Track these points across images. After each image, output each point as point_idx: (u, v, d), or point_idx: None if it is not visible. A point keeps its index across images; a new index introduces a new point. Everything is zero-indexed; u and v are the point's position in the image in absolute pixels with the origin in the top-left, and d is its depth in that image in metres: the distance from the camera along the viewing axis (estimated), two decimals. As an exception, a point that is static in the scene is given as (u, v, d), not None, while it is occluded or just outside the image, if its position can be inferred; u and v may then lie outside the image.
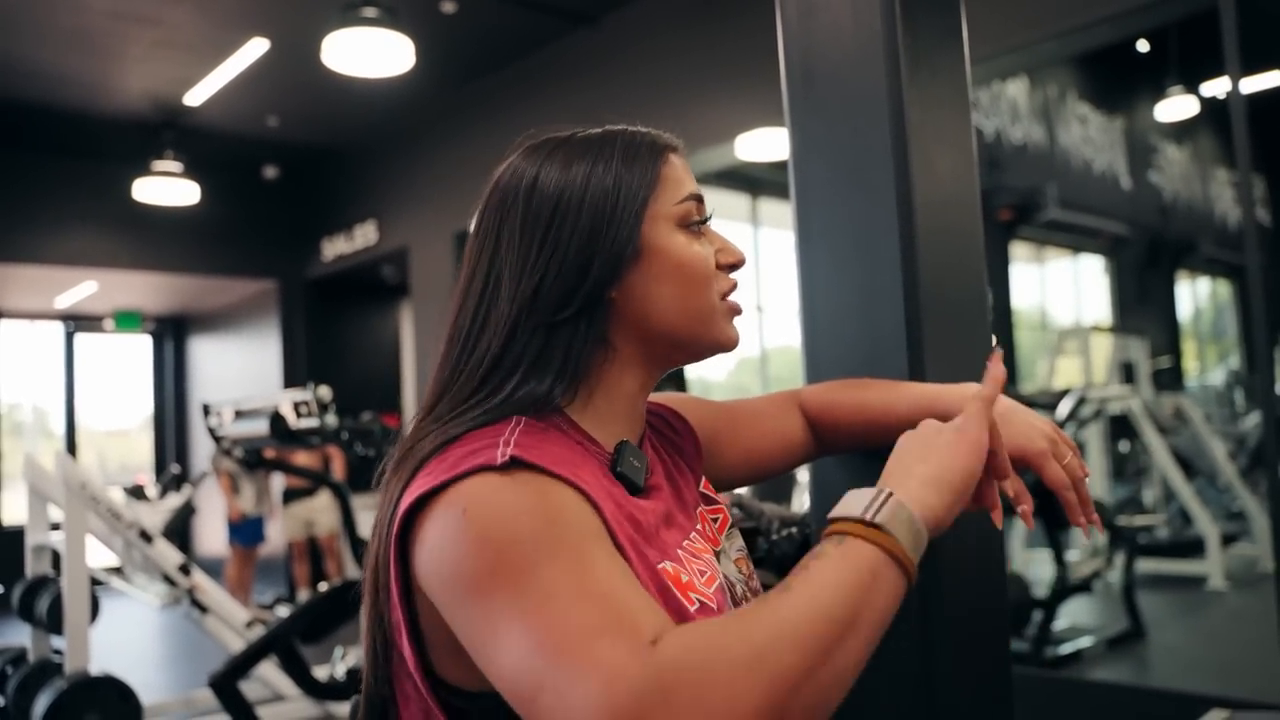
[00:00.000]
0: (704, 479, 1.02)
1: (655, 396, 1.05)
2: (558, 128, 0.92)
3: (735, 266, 0.93)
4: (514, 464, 0.71)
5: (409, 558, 0.73)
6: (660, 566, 0.79)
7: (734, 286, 0.93)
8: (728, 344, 0.92)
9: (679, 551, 0.84)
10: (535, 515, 0.68)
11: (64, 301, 9.36)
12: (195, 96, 6.68)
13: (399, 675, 0.79)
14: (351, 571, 5.71)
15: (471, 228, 0.89)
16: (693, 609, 0.78)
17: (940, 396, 1.06)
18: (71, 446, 9.80)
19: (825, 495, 1.29)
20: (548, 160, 0.87)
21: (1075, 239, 9.00)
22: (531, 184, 0.86)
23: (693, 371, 7.53)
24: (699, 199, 0.90)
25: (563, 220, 0.84)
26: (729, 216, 8.05)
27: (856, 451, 1.20)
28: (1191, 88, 7.01)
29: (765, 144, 4.86)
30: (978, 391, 0.84)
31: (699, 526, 0.92)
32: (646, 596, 0.67)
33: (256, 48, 5.96)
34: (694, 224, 0.89)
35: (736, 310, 0.93)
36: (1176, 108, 7.33)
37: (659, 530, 0.84)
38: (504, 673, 0.65)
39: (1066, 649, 4.45)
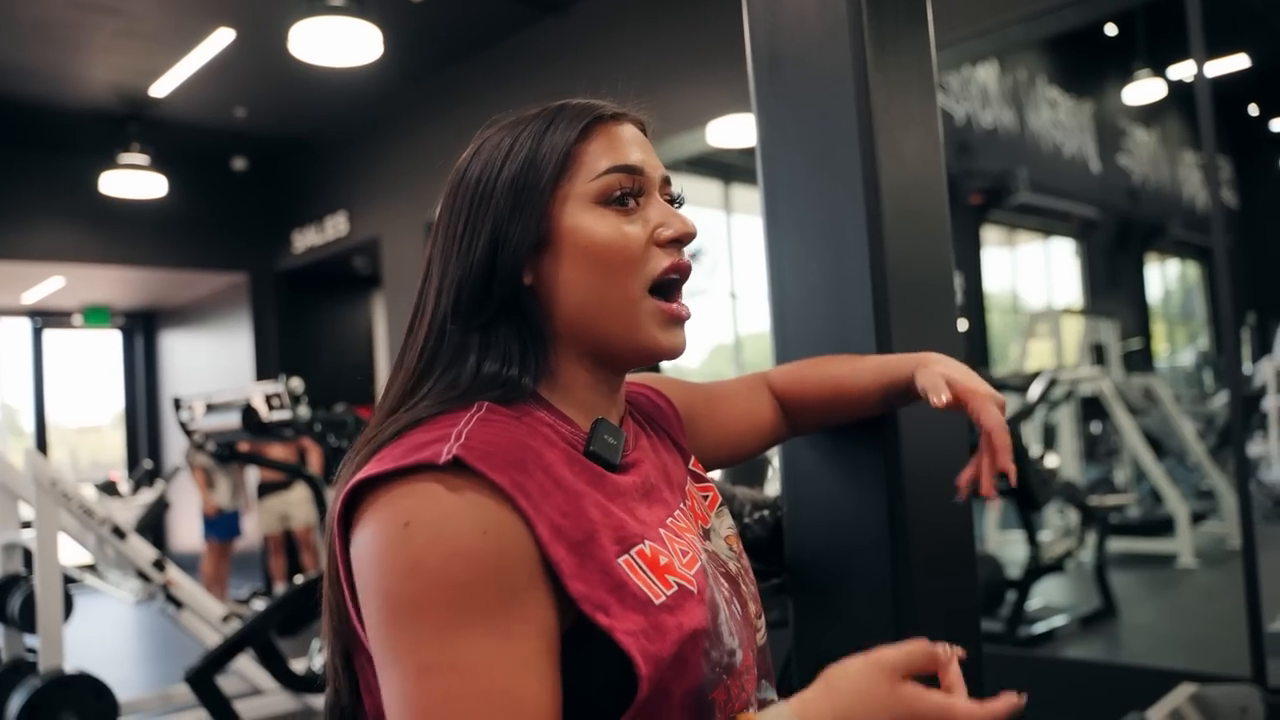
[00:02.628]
0: (693, 458, 1.00)
1: (635, 377, 1.03)
2: (517, 109, 0.87)
3: (680, 241, 0.83)
4: (455, 465, 0.68)
5: (349, 541, 0.72)
6: (636, 550, 0.75)
7: (677, 265, 0.82)
8: (659, 350, 0.82)
9: (660, 530, 0.80)
10: (473, 561, 0.66)
11: (31, 297, 9.24)
12: (161, 88, 6.60)
13: (360, 663, 0.77)
14: (328, 564, 5.69)
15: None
16: (669, 592, 0.74)
17: (899, 365, 1.08)
18: (42, 444, 9.69)
19: (796, 479, 1.30)
20: (483, 145, 0.84)
21: (1046, 222, 9.07)
22: (461, 172, 0.83)
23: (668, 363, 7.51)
24: (629, 170, 0.81)
25: (479, 208, 0.80)
26: (702, 203, 8.05)
27: (825, 427, 1.21)
28: (1159, 71, 7.08)
29: (736, 130, 4.87)
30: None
31: (685, 504, 0.89)
32: (548, 699, 0.67)
33: (222, 38, 5.90)
34: (617, 199, 0.81)
35: (675, 314, 0.83)
36: (1144, 91, 7.39)
37: (636, 507, 0.80)
38: (386, 703, 0.67)
39: (1040, 628, 4.49)
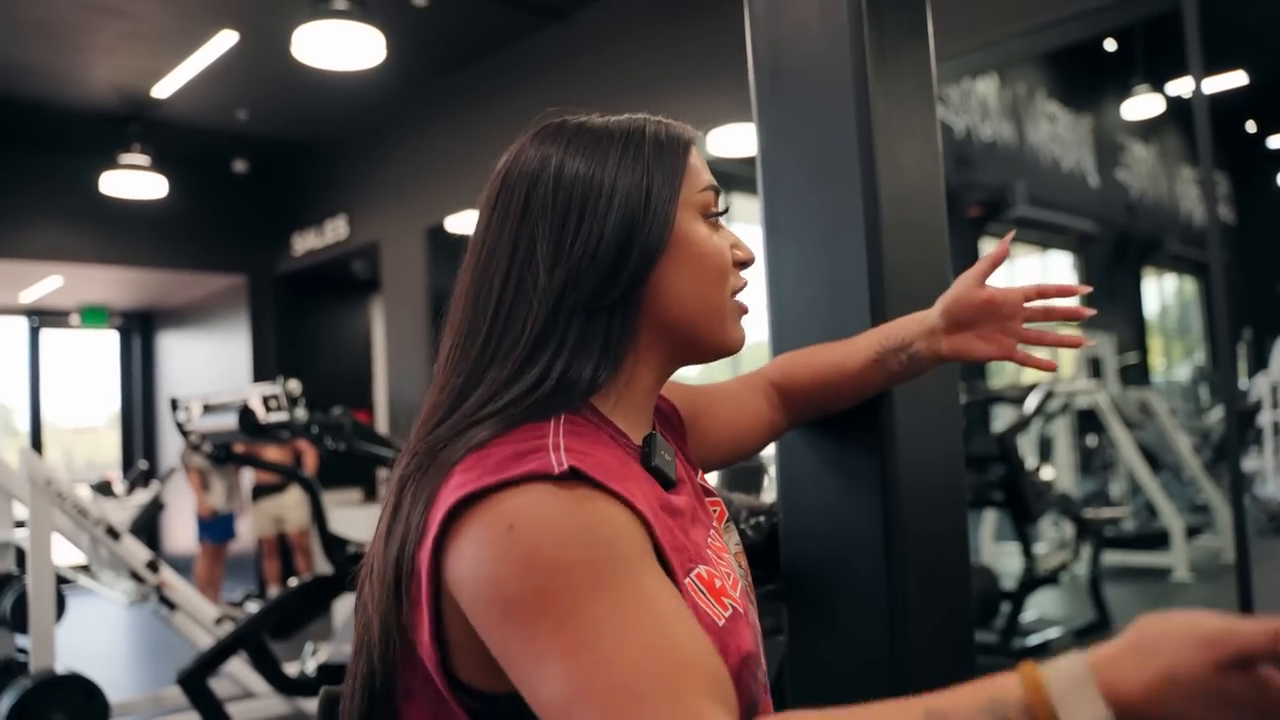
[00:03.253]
0: (701, 471, 1.00)
1: None
2: (572, 110, 0.89)
3: (746, 264, 0.91)
4: (572, 475, 0.68)
5: (441, 560, 0.69)
6: (695, 574, 0.76)
7: (745, 285, 0.91)
8: (735, 345, 0.89)
9: (707, 551, 0.81)
10: (586, 540, 0.65)
11: (29, 296, 9.23)
12: (163, 89, 6.61)
13: (405, 672, 0.75)
14: (322, 567, 5.69)
15: (486, 208, 0.85)
16: (725, 615, 0.75)
17: (889, 331, 1.12)
18: (37, 444, 9.66)
19: (792, 486, 1.30)
20: (573, 144, 0.83)
21: (1044, 235, 9.09)
22: (559, 167, 0.82)
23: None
24: (717, 190, 0.88)
25: (596, 206, 0.80)
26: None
27: (825, 413, 1.22)
28: (1157, 87, 7.11)
29: (737, 139, 4.88)
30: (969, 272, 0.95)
31: (715, 523, 0.90)
32: (702, 639, 0.65)
33: (225, 40, 5.91)
34: (713, 215, 0.87)
35: (745, 310, 0.90)
36: (1143, 106, 7.42)
37: (690, 527, 0.81)
38: (544, 705, 0.64)
39: (1034, 640, 4.50)
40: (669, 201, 0.82)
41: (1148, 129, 9.30)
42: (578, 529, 0.66)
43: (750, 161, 1.40)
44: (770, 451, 1.32)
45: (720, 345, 0.88)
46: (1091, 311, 1.12)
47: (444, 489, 0.70)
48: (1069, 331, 1.15)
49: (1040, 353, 1.12)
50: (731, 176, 7.53)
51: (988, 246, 8.68)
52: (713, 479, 1.60)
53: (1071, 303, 1.15)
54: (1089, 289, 1.08)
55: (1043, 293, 1.07)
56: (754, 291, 0.93)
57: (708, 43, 5.02)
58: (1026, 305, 1.07)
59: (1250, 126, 9.38)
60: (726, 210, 0.90)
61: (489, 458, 0.71)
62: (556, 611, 0.63)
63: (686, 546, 0.77)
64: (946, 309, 1.07)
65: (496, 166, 0.86)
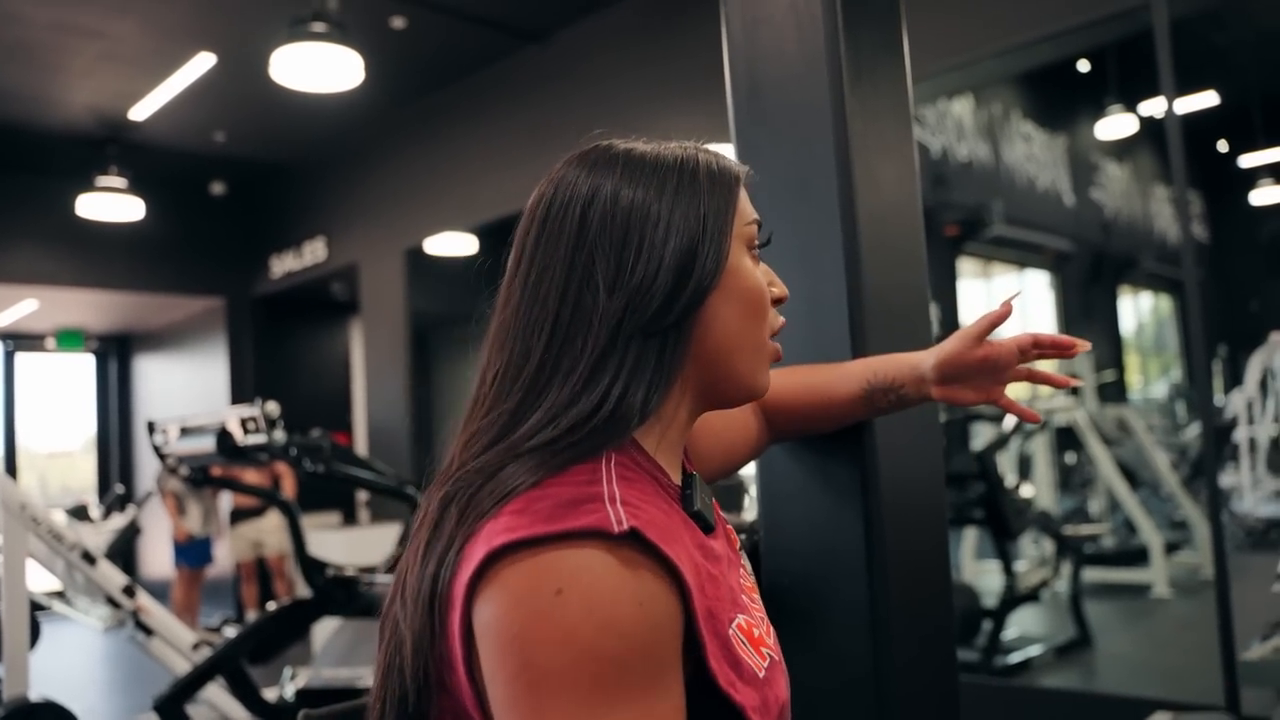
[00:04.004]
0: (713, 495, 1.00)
1: None
2: (618, 135, 0.88)
3: (781, 302, 0.90)
4: (631, 537, 0.66)
5: (474, 597, 0.68)
6: (736, 624, 0.75)
7: (782, 325, 0.90)
8: (762, 388, 0.88)
9: (743, 596, 0.81)
10: (627, 634, 0.64)
11: (4, 320, 9.16)
12: (140, 111, 6.59)
13: (439, 697, 0.73)
14: (301, 592, 5.64)
15: (533, 228, 0.83)
16: (765, 665, 0.76)
17: (879, 369, 1.12)
18: (11, 468, 9.56)
19: (774, 503, 1.30)
20: (626, 170, 0.82)
21: (1020, 254, 9.16)
22: (615, 191, 0.80)
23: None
24: (760, 225, 0.88)
25: (655, 232, 0.79)
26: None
27: (808, 433, 1.23)
28: (1130, 107, 7.18)
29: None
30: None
31: (744, 563, 0.89)
32: None
33: (203, 62, 5.90)
34: (756, 248, 0.87)
35: (778, 354, 0.89)
36: (1116, 126, 7.50)
37: (728, 574, 0.80)
38: None
39: (1015, 658, 4.50)
40: (724, 233, 0.82)
41: (1122, 149, 9.39)
42: (625, 618, 0.64)
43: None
44: (751, 470, 1.32)
45: (751, 385, 0.86)
46: (1079, 381, 1.14)
47: (490, 524, 0.69)
48: (1049, 368, 1.16)
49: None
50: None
51: (965, 265, 8.74)
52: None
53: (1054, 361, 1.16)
54: (1087, 345, 1.08)
55: (1038, 344, 1.09)
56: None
57: (685, 63, 5.05)
58: (1020, 357, 1.10)
59: (1222, 145, 9.48)
60: (768, 241, 0.90)
61: (542, 500, 0.69)
62: (574, 701, 0.63)
63: (724, 596, 0.76)
64: (940, 365, 1.10)
65: (538, 189, 0.85)
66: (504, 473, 0.72)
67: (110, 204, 7.00)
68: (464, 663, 0.69)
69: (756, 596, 0.86)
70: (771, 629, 0.84)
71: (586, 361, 0.76)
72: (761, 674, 0.74)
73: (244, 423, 3.36)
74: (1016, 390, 1.15)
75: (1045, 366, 7.23)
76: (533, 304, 0.79)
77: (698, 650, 0.69)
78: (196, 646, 3.73)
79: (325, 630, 4.63)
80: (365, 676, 3.37)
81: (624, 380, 0.76)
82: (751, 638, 0.76)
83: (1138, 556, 6.13)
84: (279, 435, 3.36)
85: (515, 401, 0.77)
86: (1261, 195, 8.52)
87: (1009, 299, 1.06)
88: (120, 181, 6.97)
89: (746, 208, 0.86)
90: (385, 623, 0.77)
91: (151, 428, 3.68)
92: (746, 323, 0.83)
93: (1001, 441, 5.09)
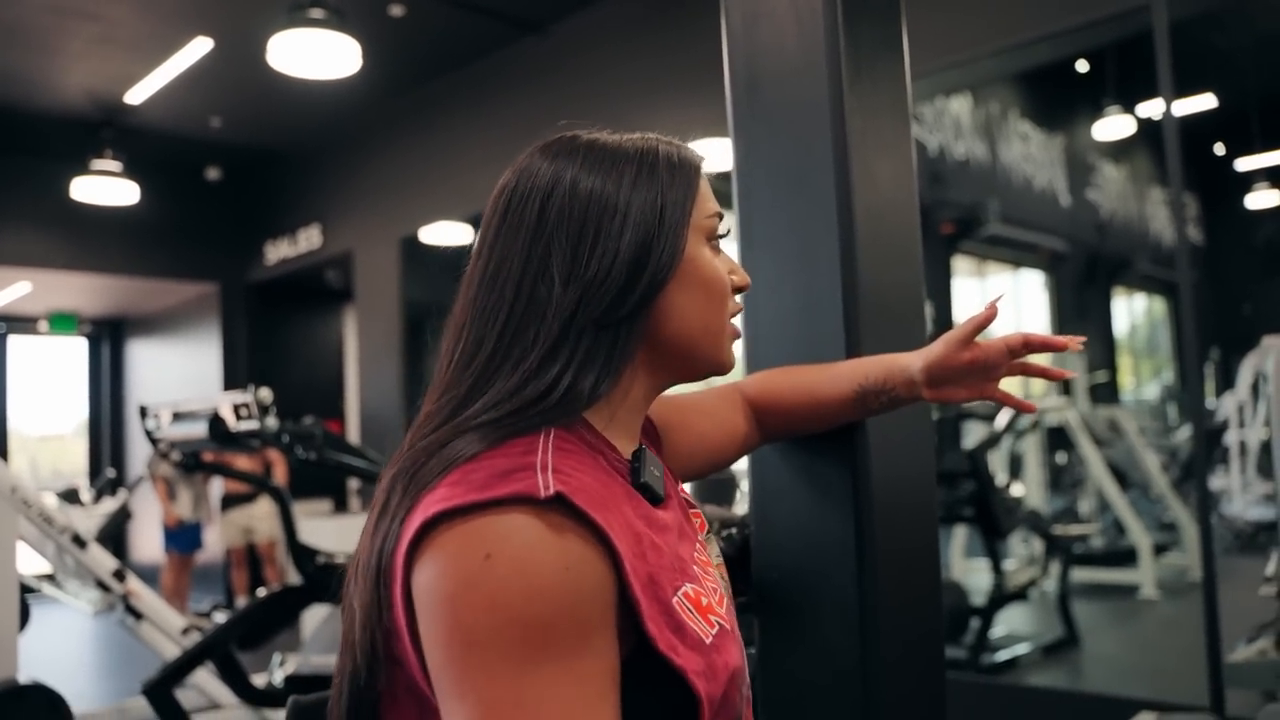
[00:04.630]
0: (681, 484, 1.01)
1: None
2: (581, 126, 0.90)
3: (742, 289, 0.93)
4: (556, 501, 0.68)
5: (411, 565, 0.70)
6: (682, 592, 0.76)
7: (740, 310, 0.93)
8: (726, 366, 0.91)
9: (694, 568, 0.82)
10: (555, 600, 0.66)
11: (-4, 302, 9.14)
12: (136, 95, 6.56)
13: (390, 670, 0.75)
14: (291, 578, 5.64)
15: (494, 218, 0.85)
16: (713, 632, 0.76)
17: (870, 371, 1.13)
18: (2, 451, 9.54)
19: (765, 498, 1.30)
20: (587, 160, 0.84)
21: (1015, 254, 9.17)
22: (574, 182, 0.83)
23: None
24: (720, 215, 0.90)
25: (611, 223, 0.81)
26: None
27: (799, 434, 1.23)
28: (1128, 108, 7.19)
29: (711, 154, 4.89)
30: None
31: (701, 537, 0.91)
32: None
33: (200, 46, 5.88)
34: (717, 239, 0.90)
35: (737, 334, 0.93)
36: (1114, 127, 7.51)
37: (678, 544, 0.81)
38: None
39: (1003, 656, 4.51)
40: (681, 224, 0.84)
41: (1119, 150, 9.41)
42: (550, 582, 0.66)
43: (726, 175, 1.40)
44: (743, 464, 1.32)
45: (713, 366, 0.90)
46: (1073, 374, 1.16)
47: (429, 496, 0.70)
48: (1046, 361, 1.17)
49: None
50: (707, 191, 7.56)
51: (960, 264, 8.75)
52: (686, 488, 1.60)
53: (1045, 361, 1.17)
54: (1080, 343, 1.08)
55: (1029, 344, 1.09)
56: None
57: (684, 57, 5.04)
58: (1011, 356, 1.11)
59: (1219, 149, 9.50)
60: (728, 234, 0.93)
61: (476, 472, 0.71)
62: (496, 663, 0.65)
63: (668, 564, 0.77)
64: (928, 369, 1.11)
65: (503, 178, 0.87)
66: (446, 449, 0.75)
67: (105, 187, 6.97)
68: (408, 631, 0.71)
69: (714, 570, 0.87)
70: (728, 601, 0.85)
71: (537, 352, 0.79)
72: (708, 640, 0.75)
73: (236, 409, 3.35)
74: (1007, 386, 1.14)
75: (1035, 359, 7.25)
76: (489, 293, 0.82)
77: (636, 614, 0.70)
78: (186, 631, 3.73)
79: (315, 617, 4.63)
80: (354, 664, 3.36)
81: (573, 370, 0.79)
82: (699, 605, 0.77)
83: (1126, 557, 6.15)
84: (271, 422, 3.36)
85: (466, 387, 0.80)
86: (1257, 199, 8.54)
87: (995, 300, 1.07)
88: (115, 165, 6.94)
89: (707, 199, 0.89)
90: (344, 604, 0.79)
91: (144, 412, 3.68)
92: (705, 311, 0.86)
93: (993, 440, 5.10)
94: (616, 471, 0.81)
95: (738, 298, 0.93)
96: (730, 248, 1.32)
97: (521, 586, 0.65)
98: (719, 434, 1.14)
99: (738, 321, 0.94)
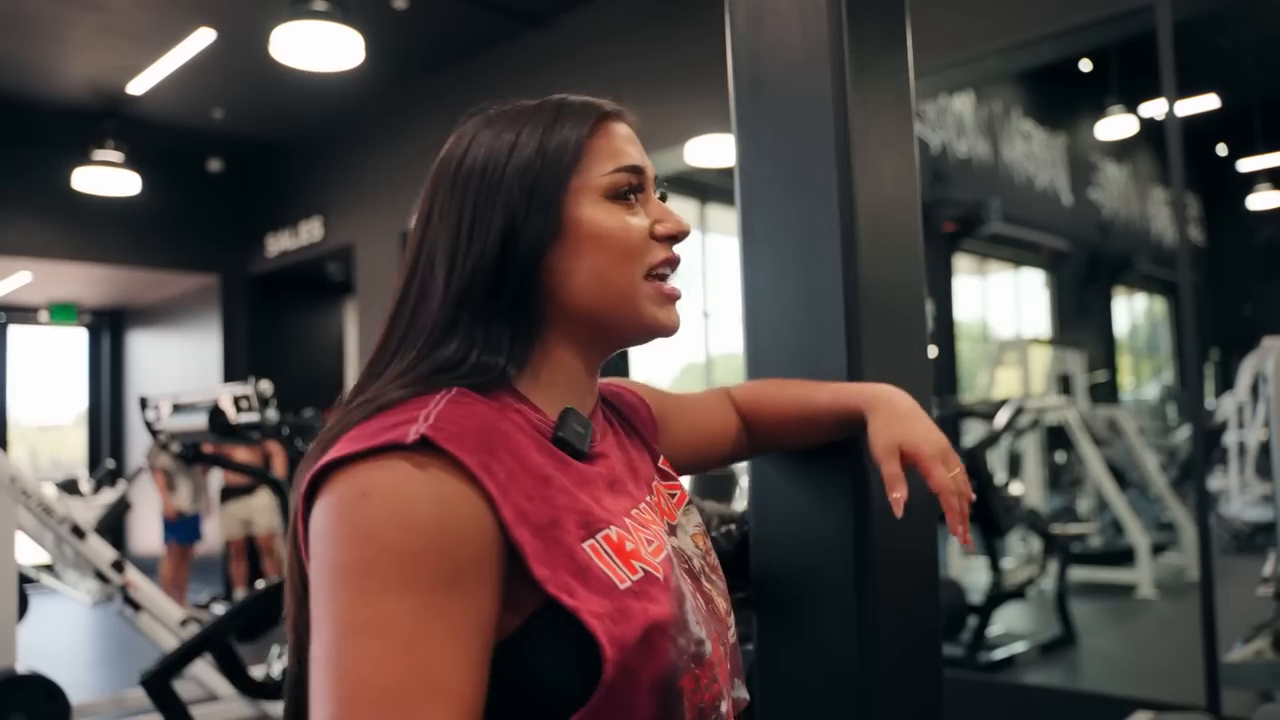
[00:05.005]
0: (662, 457, 1.01)
1: (613, 380, 1.06)
2: (507, 100, 0.90)
3: (675, 238, 0.88)
4: (423, 445, 0.69)
5: (308, 518, 0.72)
6: (602, 535, 0.76)
7: (670, 259, 0.88)
8: (659, 327, 0.87)
9: (626, 519, 0.81)
10: (427, 533, 0.67)
11: (-3, 292, 9.14)
12: (139, 85, 6.56)
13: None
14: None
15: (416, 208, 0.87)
16: (634, 577, 0.75)
17: (851, 397, 1.11)
18: (2, 440, 9.55)
19: (764, 494, 1.31)
20: (481, 132, 0.85)
21: (1016, 253, 9.17)
22: (460, 159, 0.84)
23: (637, 376, 7.52)
24: (635, 169, 0.86)
25: (488, 196, 0.82)
26: (678, 222, 8.05)
27: (783, 449, 1.23)
28: (1131, 108, 7.18)
29: (714, 150, 4.89)
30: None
31: (650, 499, 0.90)
32: (469, 674, 0.67)
33: (203, 38, 5.87)
34: (623, 194, 0.85)
35: (670, 294, 0.88)
36: (1116, 127, 7.50)
37: (603, 496, 0.82)
38: (311, 662, 0.67)
39: (1000, 654, 4.52)
40: (557, 185, 0.82)
41: (1121, 149, 9.40)
42: (423, 516, 0.67)
43: (726, 173, 1.40)
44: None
45: (640, 327, 0.87)
46: (971, 546, 1.14)
47: (328, 454, 0.72)
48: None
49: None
50: (709, 186, 7.55)
51: (962, 262, 8.75)
52: (684, 486, 1.60)
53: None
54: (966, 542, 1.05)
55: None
56: (688, 288, 0.93)
57: (687, 52, 5.04)
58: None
59: (1221, 149, 9.50)
60: (657, 191, 0.90)
61: (369, 426, 0.72)
62: (361, 589, 0.65)
63: (579, 509, 0.77)
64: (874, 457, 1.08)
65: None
66: (350, 416, 0.76)
67: (106, 178, 6.97)
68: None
69: (655, 528, 0.85)
70: (669, 553, 0.83)
71: (427, 340, 0.80)
72: (625, 584, 0.74)
73: (237, 401, 3.36)
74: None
75: (1037, 363, 7.23)
76: (399, 294, 0.84)
77: (520, 555, 0.70)
78: (184, 623, 3.74)
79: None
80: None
81: (477, 352, 0.80)
82: (621, 550, 0.77)
83: (1124, 557, 6.16)
84: (271, 414, 3.37)
85: (373, 376, 0.81)
86: (1258, 200, 8.53)
87: (898, 497, 1.02)
88: (117, 155, 6.94)
89: (608, 156, 0.86)
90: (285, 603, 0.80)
91: (144, 404, 3.68)
92: (602, 273, 0.83)
93: (992, 439, 5.10)
94: (537, 430, 0.81)
95: (676, 248, 0.88)
96: (731, 244, 1.32)
97: (396, 520, 0.67)
98: (708, 433, 1.15)
99: (677, 282, 0.90)
